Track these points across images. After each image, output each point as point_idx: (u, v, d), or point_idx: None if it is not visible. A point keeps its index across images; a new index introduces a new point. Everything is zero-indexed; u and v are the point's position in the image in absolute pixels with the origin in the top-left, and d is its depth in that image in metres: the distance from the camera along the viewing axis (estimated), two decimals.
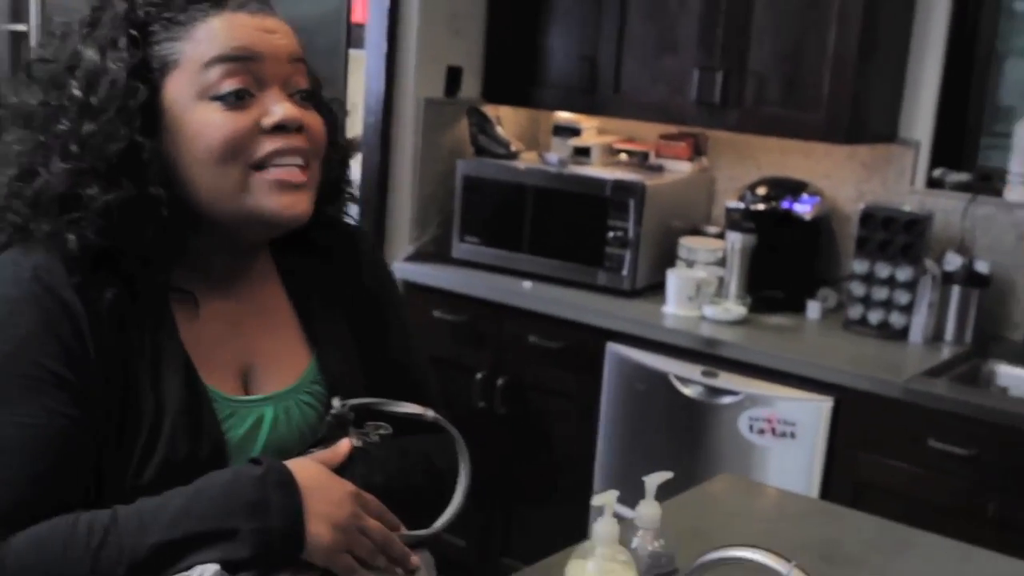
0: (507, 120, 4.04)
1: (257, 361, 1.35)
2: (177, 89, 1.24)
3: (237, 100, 1.24)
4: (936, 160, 3.50)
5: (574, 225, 3.63)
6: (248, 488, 1.17)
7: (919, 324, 3.25)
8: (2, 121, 1.28)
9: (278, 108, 1.25)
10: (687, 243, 3.56)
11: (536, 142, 4.20)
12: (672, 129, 3.83)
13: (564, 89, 3.83)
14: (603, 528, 1.41)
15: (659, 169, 3.79)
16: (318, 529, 1.18)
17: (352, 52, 4.03)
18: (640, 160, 3.85)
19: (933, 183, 3.48)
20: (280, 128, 1.25)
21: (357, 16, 4.00)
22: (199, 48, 1.23)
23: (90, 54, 1.23)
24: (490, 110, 3.94)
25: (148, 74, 1.23)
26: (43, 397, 1.18)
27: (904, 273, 3.26)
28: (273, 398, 1.34)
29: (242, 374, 1.34)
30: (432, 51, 3.83)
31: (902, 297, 3.27)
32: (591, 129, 3.97)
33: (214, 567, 1.12)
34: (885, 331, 3.30)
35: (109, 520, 1.15)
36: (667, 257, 3.58)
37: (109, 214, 1.21)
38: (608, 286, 3.58)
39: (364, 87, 3.85)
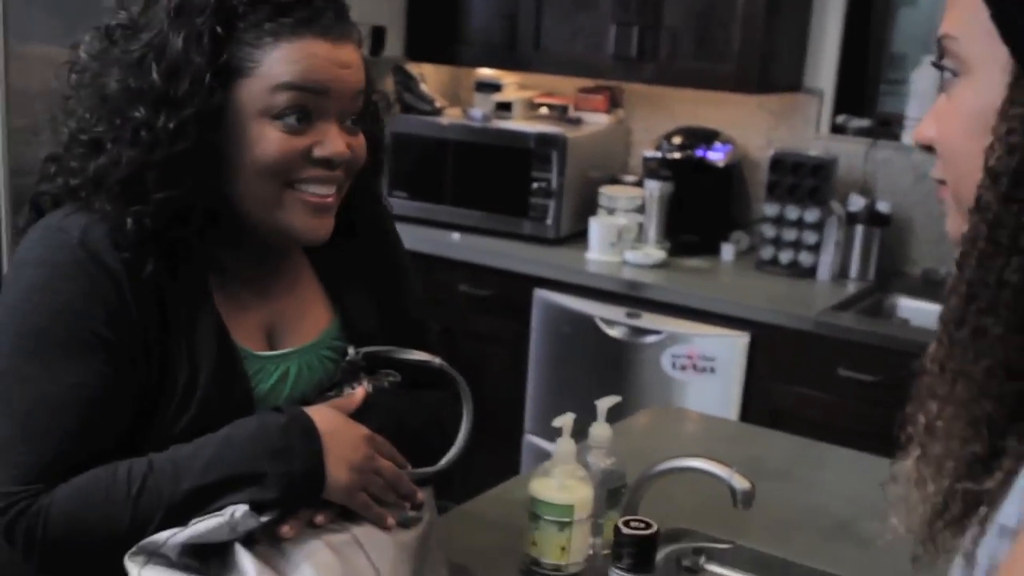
0: (431, 78, 4.15)
1: (281, 320, 1.44)
2: (245, 98, 1.28)
3: (297, 124, 1.29)
4: (839, 107, 3.71)
5: (499, 177, 3.78)
6: (273, 435, 1.27)
7: (826, 262, 3.47)
8: (79, 86, 1.32)
9: (330, 143, 1.30)
10: (607, 192, 3.73)
11: (459, 98, 4.32)
12: (590, 83, 3.98)
13: (485, 46, 3.96)
14: (562, 447, 1.57)
15: (578, 122, 3.94)
16: (337, 471, 1.28)
17: None
18: (560, 113, 4.00)
19: (837, 129, 3.69)
20: (326, 162, 1.32)
21: None
22: (275, 67, 1.27)
23: (176, 43, 1.25)
24: (414, 68, 4.05)
25: (224, 74, 1.27)
26: (85, 357, 1.25)
27: (811, 215, 3.47)
28: (297, 352, 1.42)
29: (267, 333, 1.42)
30: (356, 11, 3.88)
31: (810, 237, 3.48)
32: (512, 84, 4.10)
33: (244, 507, 1.22)
34: (795, 270, 3.51)
35: (147, 468, 1.24)
36: (589, 206, 3.74)
37: (167, 205, 1.27)
38: (533, 235, 3.74)
39: None
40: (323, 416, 1.31)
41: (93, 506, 1.23)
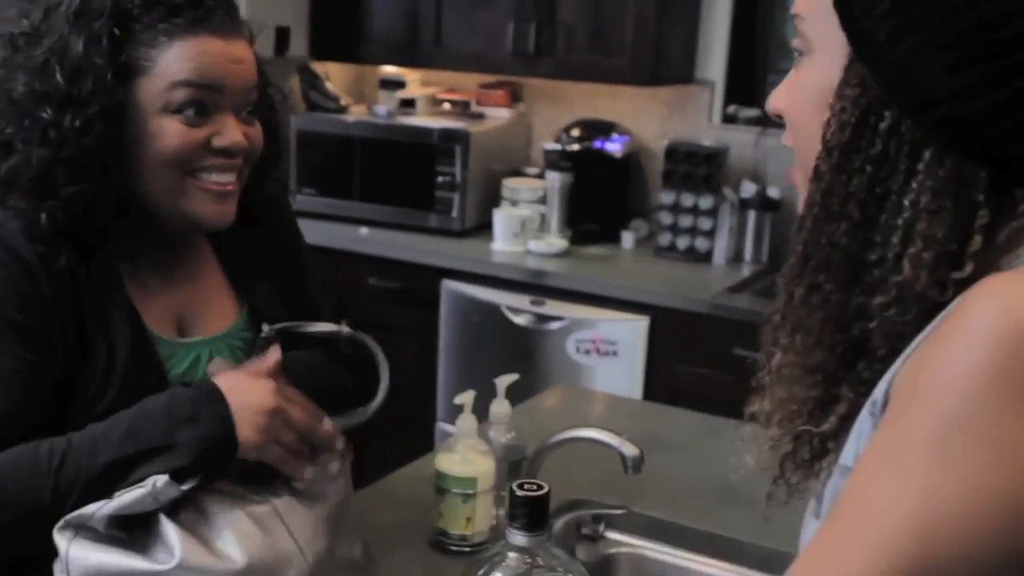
0: (335, 76, 4.22)
1: (190, 309, 1.51)
2: (144, 95, 1.35)
3: (195, 117, 1.37)
4: (730, 98, 3.85)
5: (404, 172, 3.86)
6: (182, 405, 1.33)
7: (721, 247, 3.61)
8: None
9: (228, 133, 1.39)
10: (510, 184, 3.83)
11: (364, 96, 4.39)
12: (491, 78, 4.08)
13: (388, 44, 4.03)
14: (464, 423, 1.67)
15: (480, 116, 4.04)
16: (246, 430, 1.33)
17: None
18: (462, 109, 4.10)
19: (728, 119, 3.84)
20: (225, 152, 1.40)
21: None
22: (171, 66, 1.35)
23: (77, 46, 1.32)
24: (319, 67, 4.12)
25: (123, 73, 1.34)
26: (4, 342, 1.32)
27: (706, 202, 3.60)
28: (208, 342, 1.50)
29: (177, 320, 1.50)
30: (259, 11, 3.95)
31: (705, 223, 3.62)
32: (415, 81, 4.19)
33: (164, 477, 1.27)
34: (692, 255, 3.65)
35: (65, 444, 1.30)
36: (492, 198, 3.85)
37: (76, 199, 1.34)
38: (439, 228, 3.83)
39: None
40: (227, 379, 1.36)
41: (16, 479, 1.28)
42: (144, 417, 1.33)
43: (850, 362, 0.90)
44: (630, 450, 1.57)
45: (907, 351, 0.84)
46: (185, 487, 1.29)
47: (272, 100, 1.55)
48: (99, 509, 1.26)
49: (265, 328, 1.49)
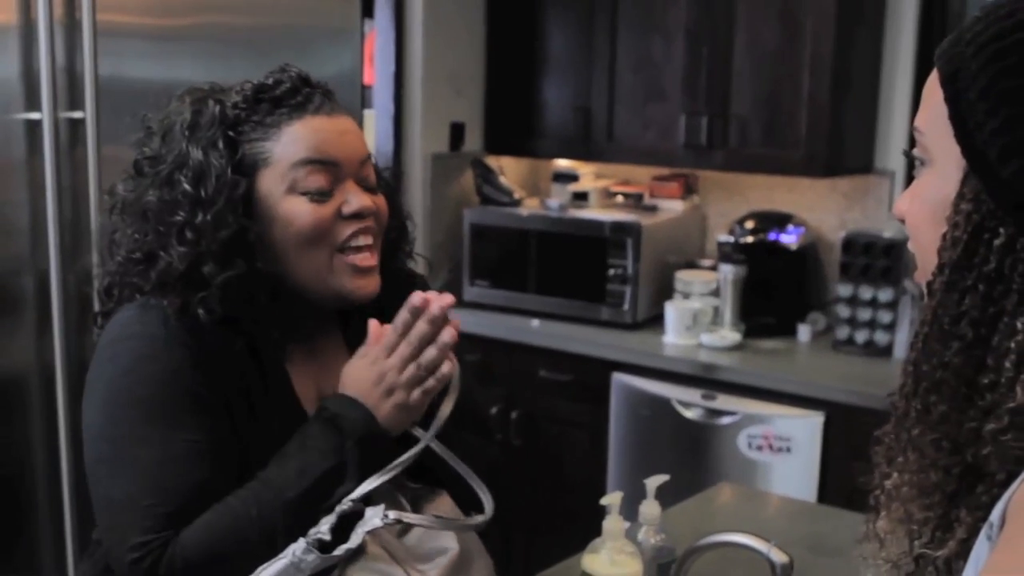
0: (509, 170, 4.29)
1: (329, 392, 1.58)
2: (269, 183, 1.46)
3: (321, 195, 1.47)
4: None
5: (576, 265, 3.87)
6: (328, 429, 1.44)
7: (902, 341, 3.48)
8: (123, 213, 1.50)
9: (354, 199, 1.49)
10: (683, 276, 3.80)
11: (537, 189, 4.45)
12: (664, 171, 4.08)
13: (561, 138, 4.08)
14: (611, 524, 1.65)
15: (653, 209, 4.03)
16: (384, 408, 1.45)
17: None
18: (635, 201, 4.10)
19: None
20: (356, 215, 1.49)
21: (366, 78, 4.26)
22: (287, 150, 1.46)
23: (196, 154, 1.44)
24: (492, 161, 4.19)
25: (244, 169, 1.45)
26: (200, 417, 1.42)
27: (885, 294, 3.50)
28: None
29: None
30: (436, 109, 4.09)
31: (885, 317, 3.51)
32: (588, 174, 4.21)
33: (301, 544, 1.35)
34: (871, 349, 3.53)
35: (251, 493, 1.40)
36: (665, 290, 3.82)
37: (228, 288, 1.43)
38: (611, 320, 3.81)
39: (374, 146, 4.10)
40: (345, 381, 1.49)
41: (223, 532, 1.38)
42: (308, 451, 1.43)
43: (969, 484, 0.86)
44: (779, 557, 1.52)
45: None
46: (326, 554, 1.35)
47: (389, 182, 1.64)
48: None
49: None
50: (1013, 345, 0.82)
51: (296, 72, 1.51)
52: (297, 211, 1.46)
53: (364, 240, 1.50)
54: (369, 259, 1.51)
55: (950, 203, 0.88)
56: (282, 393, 1.51)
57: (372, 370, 1.47)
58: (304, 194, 1.46)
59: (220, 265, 1.42)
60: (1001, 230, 0.84)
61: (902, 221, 0.97)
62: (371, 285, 1.53)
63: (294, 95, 1.48)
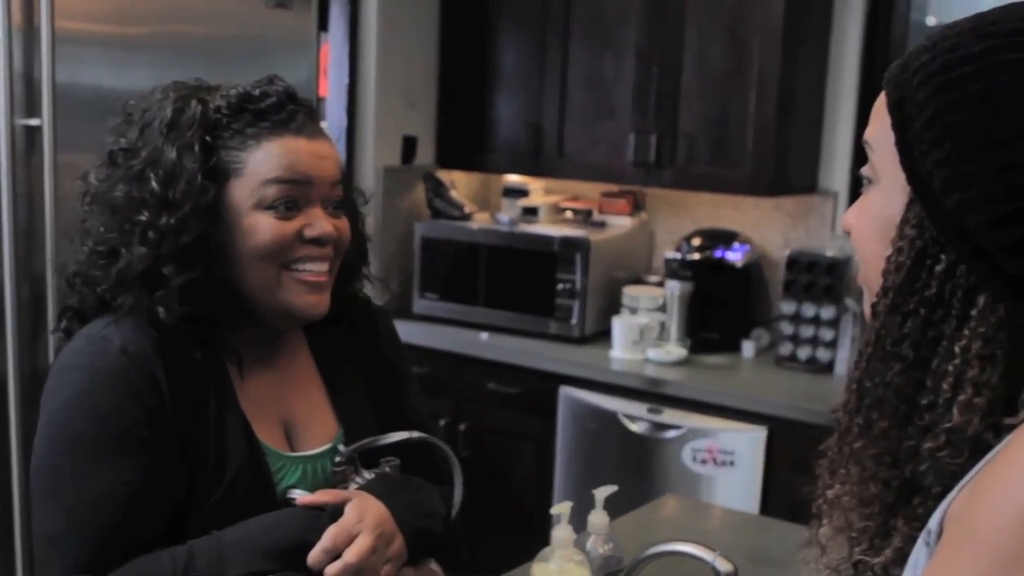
0: (460, 184, 4.33)
1: (295, 421, 1.58)
2: (238, 194, 1.45)
3: (286, 211, 1.46)
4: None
5: (525, 279, 3.91)
6: (312, 528, 1.42)
7: (843, 358, 3.55)
8: (92, 203, 1.49)
9: (318, 224, 1.48)
10: (630, 292, 3.84)
11: (488, 203, 4.48)
12: (613, 187, 4.13)
13: (512, 154, 4.12)
14: (560, 533, 1.68)
15: (602, 225, 4.08)
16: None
17: None
18: (584, 217, 4.14)
19: None
20: (316, 241, 1.48)
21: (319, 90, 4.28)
22: (261, 166, 1.45)
23: (170, 154, 1.43)
24: (444, 175, 4.22)
25: (216, 175, 1.44)
26: (128, 455, 1.39)
27: (828, 312, 3.56)
28: (313, 457, 1.57)
29: (284, 432, 1.57)
30: (388, 122, 4.11)
31: (827, 334, 3.58)
32: (538, 190, 4.26)
33: None
34: (813, 365, 3.60)
35: (187, 555, 1.38)
36: (612, 305, 3.86)
37: (186, 290, 1.42)
38: (559, 334, 3.85)
39: None
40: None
41: None
42: (275, 535, 1.40)
43: (907, 496, 0.90)
44: (724, 566, 1.56)
45: (962, 482, 0.83)
46: None
47: (355, 203, 1.64)
48: None
49: (341, 449, 1.55)
50: (951, 368, 0.85)
51: (283, 87, 1.50)
52: (260, 225, 1.45)
53: (318, 267, 1.50)
54: (321, 276, 1.50)
55: (895, 224, 0.91)
56: (234, 421, 1.48)
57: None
58: (269, 209, 1.45)
59: (179, 267, 1.42)
60: (943, 256, 0.86)
61: (848, 233, 1.00)
62: (320, 303, 1.51)
63: (278, 111, 1.47)
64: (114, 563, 1.37)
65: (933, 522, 0.84)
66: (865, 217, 0.96)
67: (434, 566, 1.58)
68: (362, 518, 1.45)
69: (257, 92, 1.48)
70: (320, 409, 1.62)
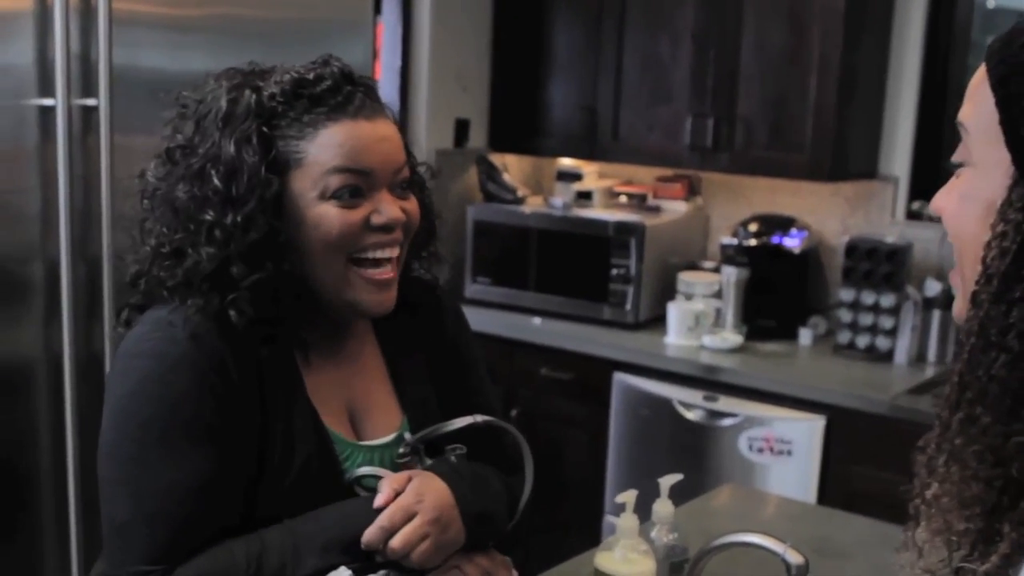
0: (513, 167, 4.30)
1: (360, 409, 1.55)
2: (301, 185, 1.40)
3: (351, 199, 1.41)
4: (914, 193, 3.75)
5: (579, 264, 3.88)
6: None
7: (903, 346, 3.49)
8: (152, 202, 1.46)
9: (386, 209, 1.43)
10: (685, 277, 3.80)
11: (541, 187, 4.45)
12: (668, 172, 4.08)
13: (565, 137, 4.09)
14: (625, 522, 1.65)
15: (657, 209, 4.04)
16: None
17: None
18: (639, 202, 4.10)
19: (912, 215, 3.74)
20: (384, 228, 1.44)
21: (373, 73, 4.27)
22: (322, 154, 1.40)
23: (229, 149, 1.38)
24: (497, 158, 4.19)
25: (277, 167, 1.40)
26: (201, 445, 1.37)
27: (888, 300, 3.50)
28: (380, 447, 1.54)
29: (350, 421, 1.54)
30: (441, 105, 4.09)
31: (887, 322, 3.52)
32: (592, 174, 4.22)
33: (348, 572, 1.34)
34: (872, 354, 3.54)
35: (260, 547, 1.36)
36: (667, 291, 3.82)
37: (257, 289, 1.39)
38: (613, 320, 3.82)
39: None
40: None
41: None
42: (347, 528, 1.40)
43: (1012, 498, 0.85)
44: (794, 558, 1.52)
45: None
46: None
47: (423, 178, 1.59)
48: None
49: (407, 437, 1.53)
50: None
51: (339, 67, 1.45)
52: (326, 216, 1.40)
53: (387, 253, 1.46)
54: (388, 272, 1.46)
55: (996, 208, 0.86)
56: (303, 410, 1.46)
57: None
58: (334, 199, 1.41)
59: (248, 266, 1.38)
60: None
61: (938, 217, 0.95)
62: (387, 301, 1.48)
63: (335, 94, 1.42)
64: (184, 553, 1.35)
65: None
66: (961, 200, 0.92)
67: (498, 556, 1.55)
68: (421, 499, 1.43)
69: (311, 76, 1.43)
70: (385, 397, 1.59)
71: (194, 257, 1.39)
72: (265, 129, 1.40)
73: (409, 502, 1.42)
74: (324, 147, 1.40)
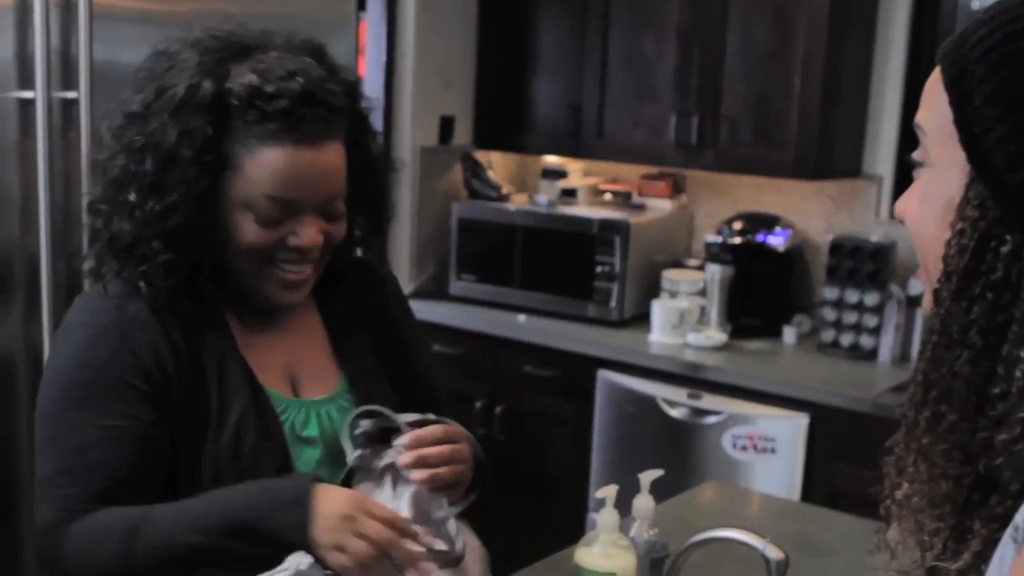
0: (498, 165, 4.29)
1: (299, 369, 1.59)
2: (230, 189, 1.45)
3: (271, 221, 1.46)
4: (898, 192, 3.74)
5: (563, 261, 3.87)
6: (271, 509, 1.37)
7: (887, 345, 3.50)
8: (102, 162, 1.50)
9: (304, 233, 1.47)
10: (670, 275, 3.80)
11: (526, 185, 4.44)
12: (653, 169, 4.08)
13: (551, 135, 4.08)
14: (606, 518, 1.64)
15: (642, 207, 4.03)
16: (319, 533, 1.34)
17: None
18: (624, 199, 4.10)
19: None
20: (298, 250, 1.49)
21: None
22: (257, 173, 1.43)
23: (171, 137, 1.42)
24: (482, 156, 4.19)
25: (214, 166, 1.43)
26: (121, 404, 1.42)
27: (871, 298, 3.50)
28: (318, 402, 1.58)
29: (288, 379, 1.58)
30: (426, 102, 4.08)
31: (870, 320, 3.52)
32: (577, 171, 4.22)
33: (308, 559, 1.30)
34: (856, 352, 3.54)
35: (140, 519, 1.37)
36: (651, 289, 3.82)
37: (170, 267, 1.45)
38: (597, 317, 3.81)
39: None
40: (325, 493, 1.39)
41: (93, 544, 1.39)
42: (232, 512, 1.38)
43: (982, 495, 0.85)
44: (774, 554, 1.51)
45: None
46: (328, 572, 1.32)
47: (365, 114, 1.60)
48: None
49: (364, 423, 1.53)
50: (1023, 354, 0.81)
51: (301, 86, 1.43)
52: (243, 225, 1.46)
53: (298, 270, 1.51)
54: (301, 274, 1.52)
55: (954, 207, 0.87)
56: (236, 367, 1.50)
57: (337, 497, 1.39)
58: (255, 213, 1.45)
59: (166, 246, 1.44)
60: (1008, 237, 0.82)
61: (901, 221, 0.96)
62: (297, 298, 1.55)
63: (287, 116, 1.42)
64: (103, 506, 1.40)
65: (1020, 518, 0.80)
66: (920, 201, 0.92)
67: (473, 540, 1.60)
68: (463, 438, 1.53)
69: (271, 89, 1.42)
70: (325, 359, 1.64)
71: (114, 227, 1.46)
72: (210, 131, 1.42)
73: (461, 432, 1.53)
74: (260, 167, 1.43)
